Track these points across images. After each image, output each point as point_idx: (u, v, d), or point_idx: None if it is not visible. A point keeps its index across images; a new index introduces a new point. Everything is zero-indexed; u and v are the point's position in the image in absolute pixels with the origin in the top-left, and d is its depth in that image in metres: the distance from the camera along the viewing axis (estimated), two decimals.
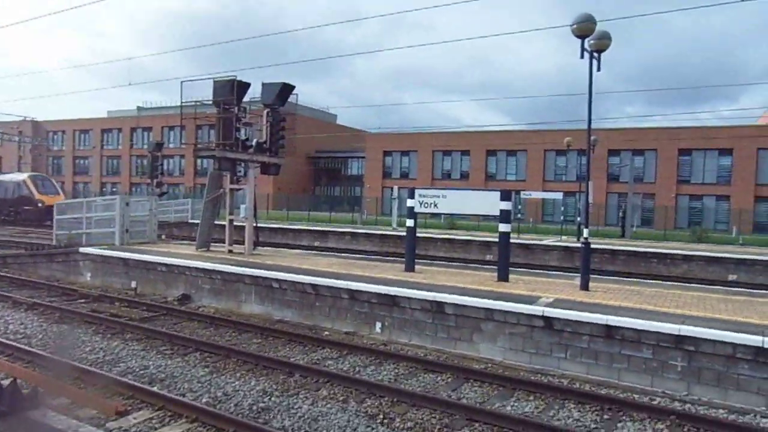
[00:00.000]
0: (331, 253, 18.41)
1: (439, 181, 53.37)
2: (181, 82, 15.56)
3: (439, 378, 8.23)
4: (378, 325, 10.41)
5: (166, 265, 13.91)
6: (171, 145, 63.48)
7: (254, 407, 6.87)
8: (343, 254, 18.79)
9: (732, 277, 19.70)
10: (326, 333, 10.59)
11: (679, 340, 7.74)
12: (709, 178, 45.22)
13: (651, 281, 13.93)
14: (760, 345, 7.13)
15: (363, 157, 60.69)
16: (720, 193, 44.48)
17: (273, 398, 7.19)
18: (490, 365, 8.84)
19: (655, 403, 7.33)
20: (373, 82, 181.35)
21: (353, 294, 10.67)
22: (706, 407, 7.25)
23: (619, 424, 6.71)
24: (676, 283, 13.72)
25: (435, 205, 12.32)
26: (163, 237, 21.65)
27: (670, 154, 45.62)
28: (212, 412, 6.44)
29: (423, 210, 12.58)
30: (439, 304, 9.65)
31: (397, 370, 8.47)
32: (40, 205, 33.95)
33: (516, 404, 7.27)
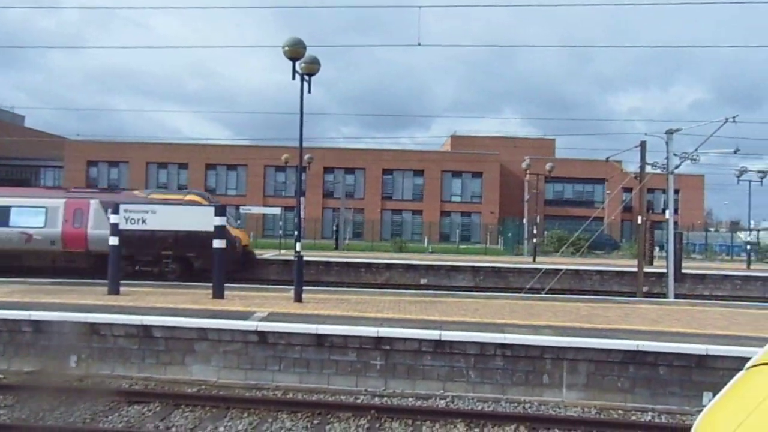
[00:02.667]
0: (13, 279, 15.46)
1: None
2: None
3: (145, 409, 7.55)
4: (73, 358, 9.09)
5: None
6: None
7: None
8: (29, 279, 15.96)
9: (423, 281, 22.87)
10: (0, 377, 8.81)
11: (378, 341, 8.59)
12: (407, 195, 51.92)
13: (359, 289, 15.27)
14: (438, 338, 8.38)
15: (61, 167, 53.00)
16: (415, 208, 51.41)
17: None
18: (203, 387, 8.48)
19: (358, 401, 7.98)
20: (75, 81, 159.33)
21: (38, 325, 9.11)
22: (399, 398, 8.19)
23: (327, 427, 7.09)
24: (378, 290, 15.27)
25: (143, 221, 11.39)
26: None
27: (376, 173, 50.98)
28: None
29: (130, 227, 11.51)
30: (146, 328, 8.89)
31: (94, 408, 7.49)
32: (237, 245, 19.27)
33: (230, 423, 7.11)
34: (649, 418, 7.68)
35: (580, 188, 54.60)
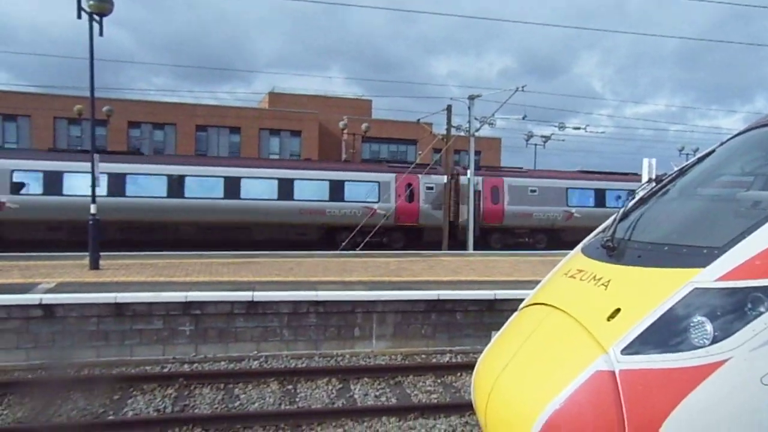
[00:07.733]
0: None
1: None
2: None
3: None
4: None
5: None
6: None
7: None
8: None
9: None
10: None
11: (187, 306, 8.15)
12: (223, 153, 49.64)
13: (167, 253, 14.28)
14: (251, 299, 8.21)
15: None
16: None
17: None
18: None
19: (165, 370, 7.54)
20: None
21: None
22: (210, 362, 7.91)
23: (129, 401, 6.59)
24: (185, 252, 14.39)
25: None
26: None
27: (188, 130, 47.75)
28: None
29: None
30: None
31: None
32: None
33: (6, 411, 6.24)
34: (447, 359, 8.45)
35: (395, 148, 57.16)
